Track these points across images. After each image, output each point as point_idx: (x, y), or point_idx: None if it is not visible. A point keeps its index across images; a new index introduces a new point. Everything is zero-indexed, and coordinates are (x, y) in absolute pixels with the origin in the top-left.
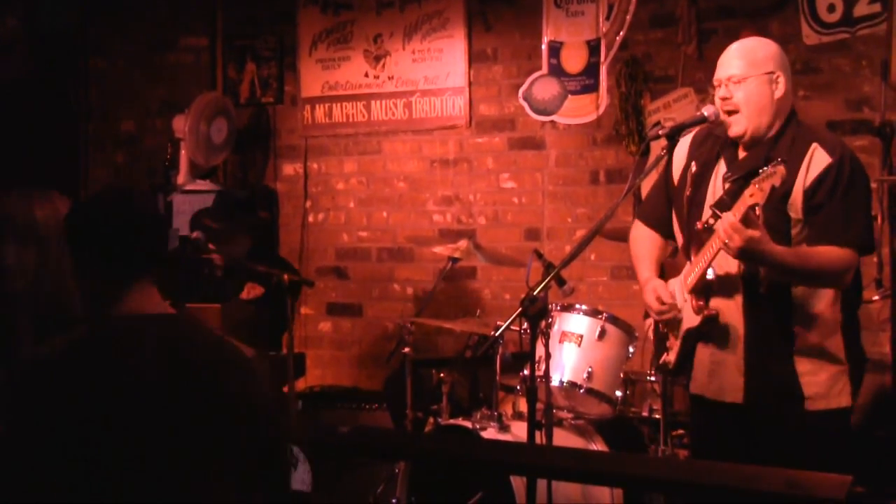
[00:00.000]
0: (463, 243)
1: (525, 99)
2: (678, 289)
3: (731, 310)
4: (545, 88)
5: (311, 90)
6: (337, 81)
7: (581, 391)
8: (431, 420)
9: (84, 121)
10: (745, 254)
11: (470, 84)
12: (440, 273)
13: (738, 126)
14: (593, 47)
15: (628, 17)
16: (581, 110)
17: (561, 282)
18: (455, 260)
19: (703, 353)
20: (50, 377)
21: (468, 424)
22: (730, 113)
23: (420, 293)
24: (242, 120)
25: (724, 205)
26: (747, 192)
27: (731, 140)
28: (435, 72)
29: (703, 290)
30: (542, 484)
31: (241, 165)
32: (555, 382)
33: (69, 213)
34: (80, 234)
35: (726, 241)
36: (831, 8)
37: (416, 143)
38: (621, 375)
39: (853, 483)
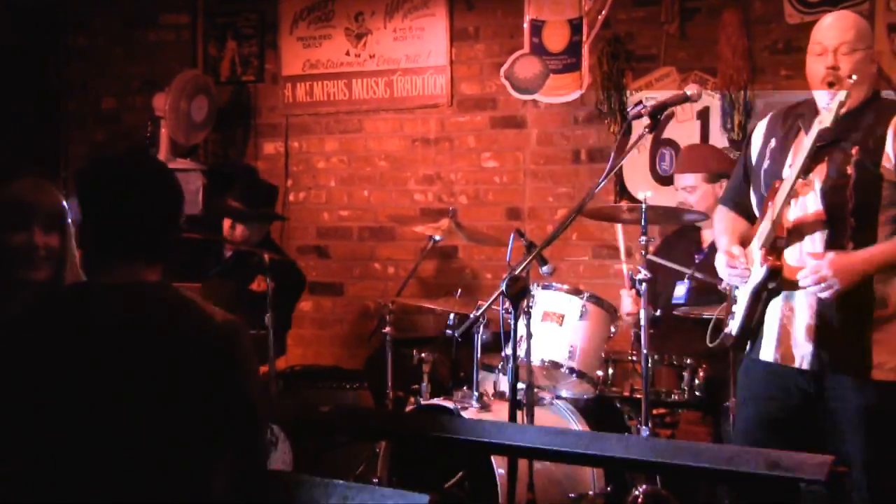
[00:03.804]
0: (444, 222)
1: (507, 78)
2: (754, 249)
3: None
4: (527, 67)
5: (292, 68)
6: (318, 60)
7: (562, 370)
8: (412, 399)
9: (64, 97)
10: (844, 281)
11: (451, 63)
12: (421, 252)
13: (839, 96)
14: (575, 26)
15: None
16: (563, 89)
17: (542, 261)
18: (436, 239)
19: (772, 317)
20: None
21: (449, 404)
22: (831, 84)
23: (401, 272)
24: (223, 98)
25: (805, 168)
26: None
27: (812, 112)
28: (416, 50)
29: (776, 246)
30: (523, 464)
31: (222, 144)
32: (536, 362)
33: (83, 168)
34: (82, 194)
35: (820, 288)
36: None
37: (397, 122)
38: (602, 355)
39: (834, 463)
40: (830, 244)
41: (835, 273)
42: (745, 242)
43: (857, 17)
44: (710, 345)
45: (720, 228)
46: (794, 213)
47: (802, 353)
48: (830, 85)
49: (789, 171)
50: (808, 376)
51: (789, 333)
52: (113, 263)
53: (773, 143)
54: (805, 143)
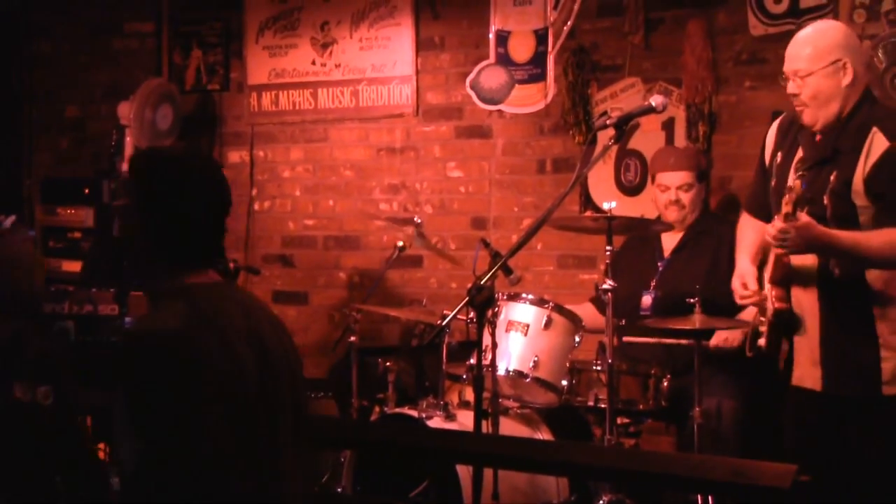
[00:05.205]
0: (409, 231)
1: (472, 88)
2: (766, 278)
3: (807, 298)
4: (492, 77)
5: (258, 77)
6: (284, 69)
7: (527, 380)
8: (377, 408)
9: (28, 105)
10: (800, 246)
11: (417, 72)
12: (387, 261)
13: (808, 117)
14: (541, 36)
15: (576, 7)
16: (528, 99)
17: (508, 271)
18: (402, 248)
19: (786, 343)
20: (191, 345)
21: (414, 413)
22: (798, 106)
23: (366, 281)
24: (188, 106)
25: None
26: (783, 201)
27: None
28: (382, 60)
29: (784, 280)
30: (488, 472)
31: None
32: (501, 371)
33: (167, 162)
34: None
35: (779, 244)
36: None
37: (362, 131)
38: (567, 364)
39: (797, 472)
40: (822, 274)
41: (796, 234)
42: (767, 251)
43: (820, 32)
44: (748, 354)
45: (739, 239)
46: None
47: (811, 375)
48: (800, 114)
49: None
50: (817, 397)
51: (799, 356)
52: (199, 266)
53: (779, 157)
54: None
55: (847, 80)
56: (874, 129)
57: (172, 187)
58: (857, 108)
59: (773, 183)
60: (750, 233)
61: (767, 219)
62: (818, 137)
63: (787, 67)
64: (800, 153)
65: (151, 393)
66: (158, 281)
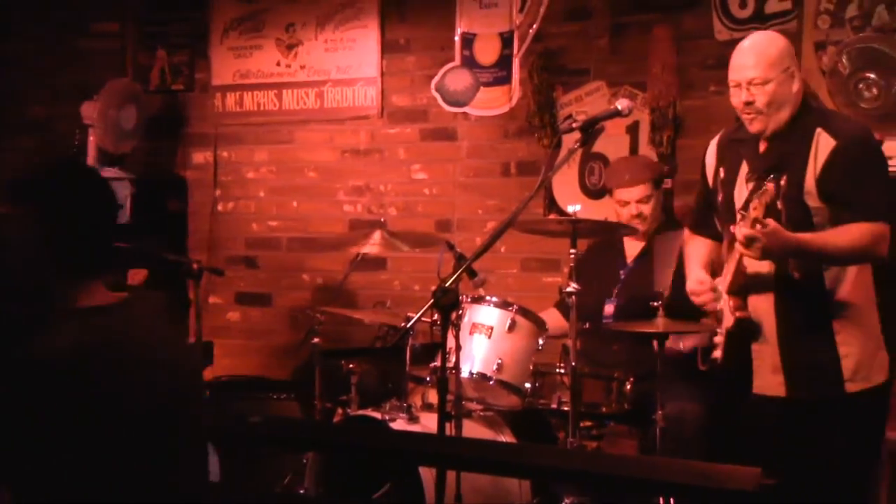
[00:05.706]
0: (377, 235)
1: (437, 90)
2: (722, 289)
3: (764, 305)
4: (458, 80)
5: (223, 78)
6: (248, 70)
7: (491, 383)
8: (340, 410)
9: None
10: (769, 251)
11: (382, 74)
12: (350, 263)
13: (758, 125)
14: (506, 39)
15: (542, 10)
16: (493, 102)
17: (472, 273)
18: (363, 255)
19: (749, 351)
20: (72, 374)
21: (377, 415)
22: (749, 114)
23: (330, 283)
24: (153, 107)
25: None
26: (752, 206)
27: (751, 137)
28: (347, 61)
29: (740, 290)
30: (451, 475)
31: (152, 153)
32: (464, 374)
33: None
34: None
35: (745, 248)
36: (743, 4)
37: (327, 133)
38: (531, 367)
39: (762, 475)
40: (779, 278)
41: (767, 240)
42: (716, 264)
43: (769, 41)
44: (702, 368)
45: (687, 254)
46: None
47: (774, 383)
48: (748, 114)
49: (739, 216)
50: (782, 403)
51: (760, 364)
52: (91, 283)
53: (722, 173)
54: (744, 181)
55: (796, 86)
56: (818, 129)
57: (59, 198)
58: (799, 112)
59: (720, 198)
60: (699, 246)
61: (715, 237)
62: (762, 147)
63: (740, 76)
64: (745, 166)
65: (43, 416)
66: (50, 297)
